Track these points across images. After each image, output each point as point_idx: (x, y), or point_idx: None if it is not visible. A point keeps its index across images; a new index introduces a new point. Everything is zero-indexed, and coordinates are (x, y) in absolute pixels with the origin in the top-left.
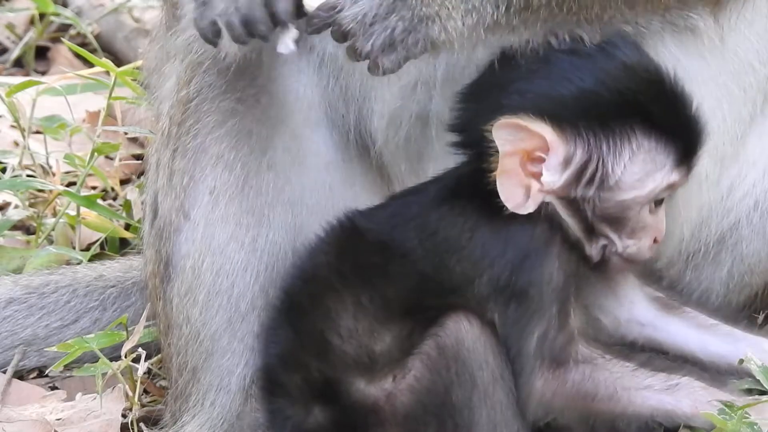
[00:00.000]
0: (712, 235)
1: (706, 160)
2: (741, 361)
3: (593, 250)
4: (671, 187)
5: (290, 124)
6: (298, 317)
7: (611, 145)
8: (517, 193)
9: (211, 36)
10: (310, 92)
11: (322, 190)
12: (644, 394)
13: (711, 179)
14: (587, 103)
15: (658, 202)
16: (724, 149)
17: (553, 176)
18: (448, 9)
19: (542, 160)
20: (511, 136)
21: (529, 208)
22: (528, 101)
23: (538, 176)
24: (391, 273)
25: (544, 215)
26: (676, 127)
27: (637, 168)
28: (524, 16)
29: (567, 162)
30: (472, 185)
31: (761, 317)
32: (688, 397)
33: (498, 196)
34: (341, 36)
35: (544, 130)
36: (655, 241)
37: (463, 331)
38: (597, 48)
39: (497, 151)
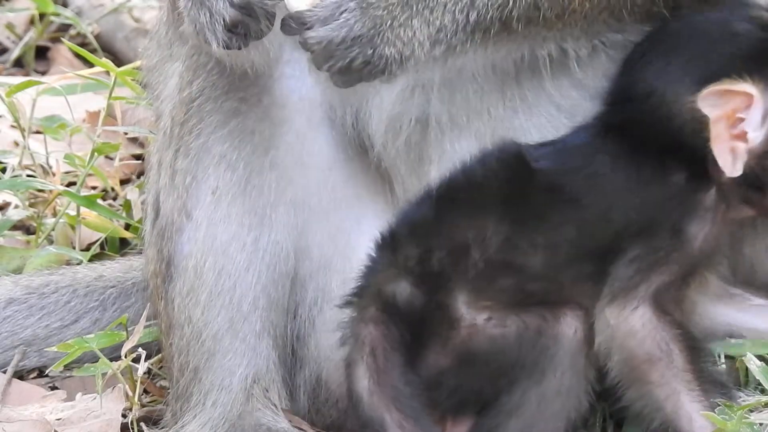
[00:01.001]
0: None
1: None
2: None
3: None
4: None
5: (293, 124)
6: (447, 211)
7: None
8: (726, 156)
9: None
10: (313, 93)
11: (324, 190)
12: (692, 396)
13: None
14: (765, 51)
15: None
16: None
17: (758, 131)
18: (415, 45)
19: (743, 120)
20: (716, 101)
21: (738, 169)
22: (720, 67)
23: (743, 136)
24: (553, 219)
25: (716, 182)
26: None
27: None
28: (500, 37)
29: (766, 114)
30: (639, 140)
31: None
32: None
33: (664, 156)
34: (305, 48)
35: (747, 87)
36: None
37: (567, 333)
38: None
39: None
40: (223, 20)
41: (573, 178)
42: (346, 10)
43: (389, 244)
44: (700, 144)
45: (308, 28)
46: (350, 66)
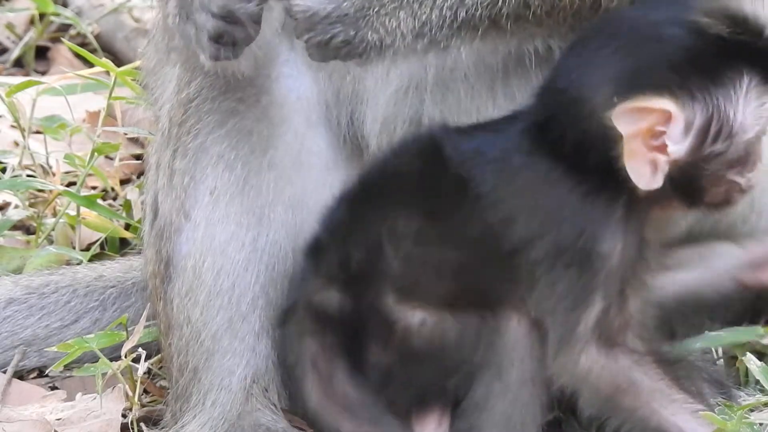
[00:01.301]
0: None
1: None
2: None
3: (717, 197)
4: None
5: (291, 124)
6: (361, 209)
7: (725, 93)
8: (644, 170)
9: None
10: (310, 92)
11: (322, 190)
12: (673, 409)
13: None
14: (691, 60)
15: None
16: None
17: (679, 145)
18: (399, 36)
19: (663, 133)
20: (631, 118)
21: (657, 182)
22: (637, 80)
23: (663, 149)
24: (461, 213)
25: (627, 190)
26: None
27: (754, 103)
28: (487, 34)
29: (689, 127)
30: (556, 142)
31: None
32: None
33: (577, 161)
34: (289, 14)
35: (665, 104)
36: None
37: (511, 327)
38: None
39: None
40: (207, 32)
41: (482, 172)
42: None
43: (314, 252)
44: (614, 157)
45: None
46: (329, 42)
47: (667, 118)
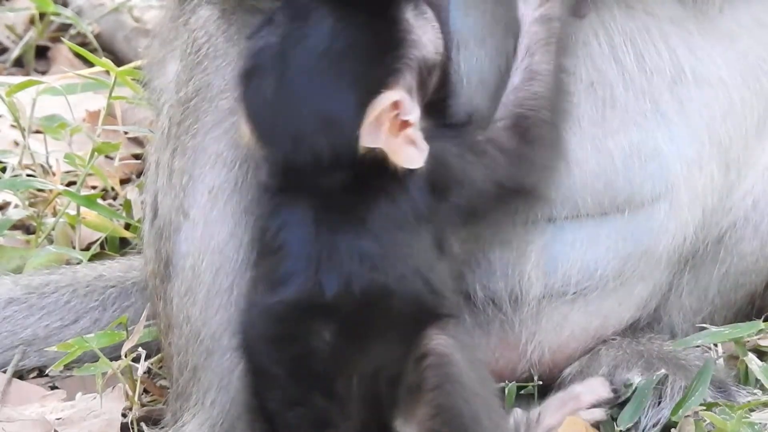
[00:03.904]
0: (712, 235)
1: (714, 164)
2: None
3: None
4: None
5: None
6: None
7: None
8: (408, 151)
9: None
10: None
11: None
12: None
13: (717, 182)
14: (369, 43)
15: None
16: (735, 153)
17: (414, 109)
18: None
19: (398, 115)
20: (375, 127)
21: (424, 153)
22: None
23: (405, 124)
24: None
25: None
26: None
27: (430, 29)
28: None
29: (410, 90)
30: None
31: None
32: None
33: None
34: None
35: (391, 95)
36: None
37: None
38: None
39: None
40: None
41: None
42: None
43: None
44: (382, 167)
45: None
46: None
47: (396, 105)
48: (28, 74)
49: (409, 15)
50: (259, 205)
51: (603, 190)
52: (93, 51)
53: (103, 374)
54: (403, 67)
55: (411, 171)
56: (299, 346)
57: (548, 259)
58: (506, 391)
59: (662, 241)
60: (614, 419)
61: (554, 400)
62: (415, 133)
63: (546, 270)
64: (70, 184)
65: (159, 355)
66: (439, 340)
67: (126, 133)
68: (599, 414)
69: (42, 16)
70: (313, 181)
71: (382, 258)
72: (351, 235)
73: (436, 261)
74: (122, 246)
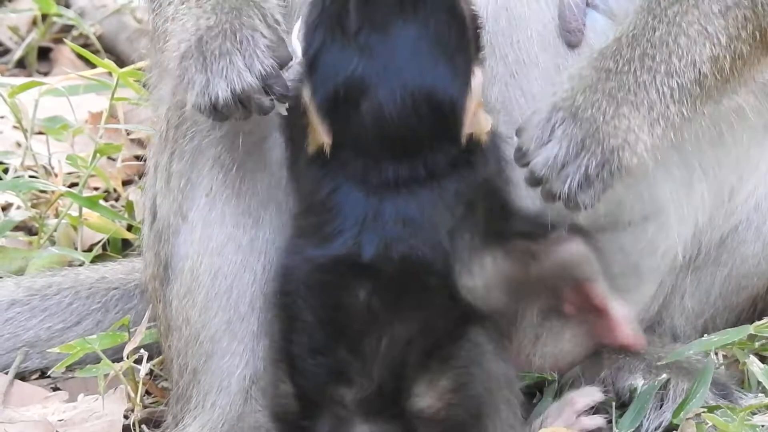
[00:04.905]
0: (714, 238)
1: (705, 186)
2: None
3: None
4: None
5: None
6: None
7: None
8: (481, 117)
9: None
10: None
11: None
12: None
13: (707, 202)
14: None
15: None
16: (738, 156)
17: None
18: (635, 132)
19: None
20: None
21: (490, 119)
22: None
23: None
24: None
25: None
26: None
27: None
28: (701, 97)
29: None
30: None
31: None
32: None
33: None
34: (535, 182)
35: (478, 72)
36: None
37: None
38: None
39: None
40: (232, 93)
41: None
42: (557, 122)
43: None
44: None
45: (525, 155)
46: (588, 174)
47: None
48: (30, 75)
49: None
50: (306, 171)
51: (593, 211)
52: (95, 52)
53: (105, 376)
54: (472, 41)
55: (477, 144)
56: (333, 299)
57: None
58: None
59: (652, 256)
60: (617, 422)
61: (552, 409)
62: (481, 102)
63: None
64: (73, 185)
65: (161, 357)
66: (476, 331)
67: (128, 134)
68: (599, 420)
69: (44, 17)
70: (402, 141)
71: (423, 226)
72: (399, 201)
73: (467, 247)
74: (124, 247)
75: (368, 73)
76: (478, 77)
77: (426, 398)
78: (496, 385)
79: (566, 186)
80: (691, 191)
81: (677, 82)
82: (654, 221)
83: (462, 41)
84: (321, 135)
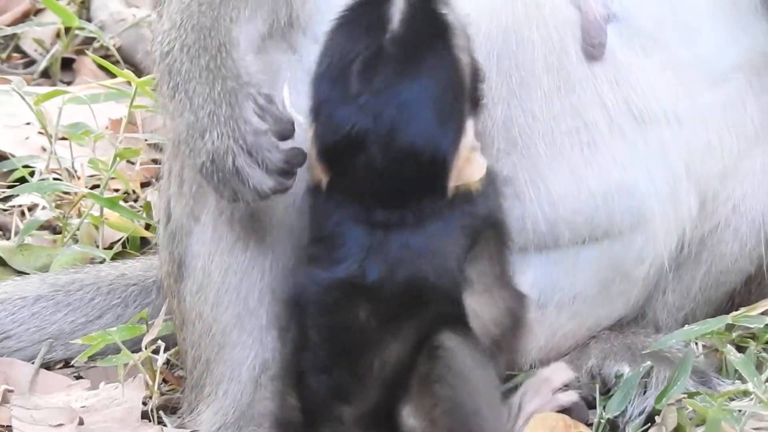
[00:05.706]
0: (695, 238)
1: (692, 198)
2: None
3: None
4: None
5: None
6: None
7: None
8: (473, 167)
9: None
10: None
11: None
12: None
13: (693, 213)
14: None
15: None
16: (725, 165)
17: (472, 129)
18: None
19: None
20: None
21: (483, 166)
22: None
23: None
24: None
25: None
26: None
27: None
28: None
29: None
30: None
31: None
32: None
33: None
34: None
35: (470, 125)
36: None
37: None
38: None
39: None
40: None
41: None
42: None
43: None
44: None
45: None
46: None
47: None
48: (54, 85)
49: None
50: (313, 202)
51: (583, 224)
52: (115, 63)
53: (125, 365)
54: (466, 94)
55: (470, 189)
56: (337, 319)
57: (534, 281)
58: None
59: (639, 266)
60: (603, 407)
61: (528, 386)
62: (476, 149)
63: (533, 291)
64: (94, 187)
65: (176, 348)
66: (448, 336)
67: (146, 139)
68: (574, 396)
69: (67, 30)
70: (391, 193)
71: (428, 252)
72: (405, 234)
73: (462, 266)
74: (143, 245)
75: (365, 131)
76: (470, 130)
77: (415, 418)
78: (476, 387)
79: None
80: (677, 204)
81: None
82: (641, 233)
83: (457, 102)
84: (320, 173)
